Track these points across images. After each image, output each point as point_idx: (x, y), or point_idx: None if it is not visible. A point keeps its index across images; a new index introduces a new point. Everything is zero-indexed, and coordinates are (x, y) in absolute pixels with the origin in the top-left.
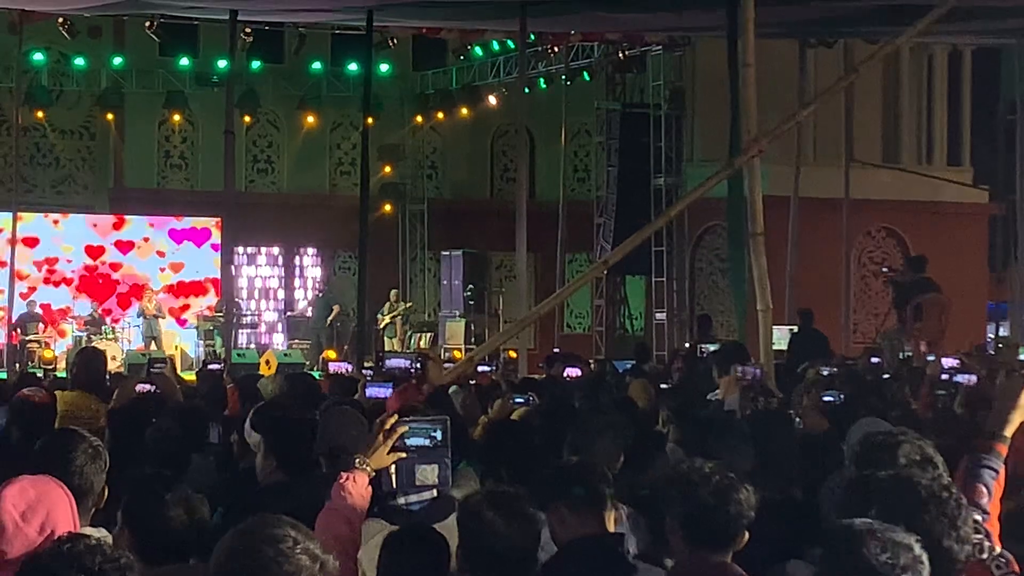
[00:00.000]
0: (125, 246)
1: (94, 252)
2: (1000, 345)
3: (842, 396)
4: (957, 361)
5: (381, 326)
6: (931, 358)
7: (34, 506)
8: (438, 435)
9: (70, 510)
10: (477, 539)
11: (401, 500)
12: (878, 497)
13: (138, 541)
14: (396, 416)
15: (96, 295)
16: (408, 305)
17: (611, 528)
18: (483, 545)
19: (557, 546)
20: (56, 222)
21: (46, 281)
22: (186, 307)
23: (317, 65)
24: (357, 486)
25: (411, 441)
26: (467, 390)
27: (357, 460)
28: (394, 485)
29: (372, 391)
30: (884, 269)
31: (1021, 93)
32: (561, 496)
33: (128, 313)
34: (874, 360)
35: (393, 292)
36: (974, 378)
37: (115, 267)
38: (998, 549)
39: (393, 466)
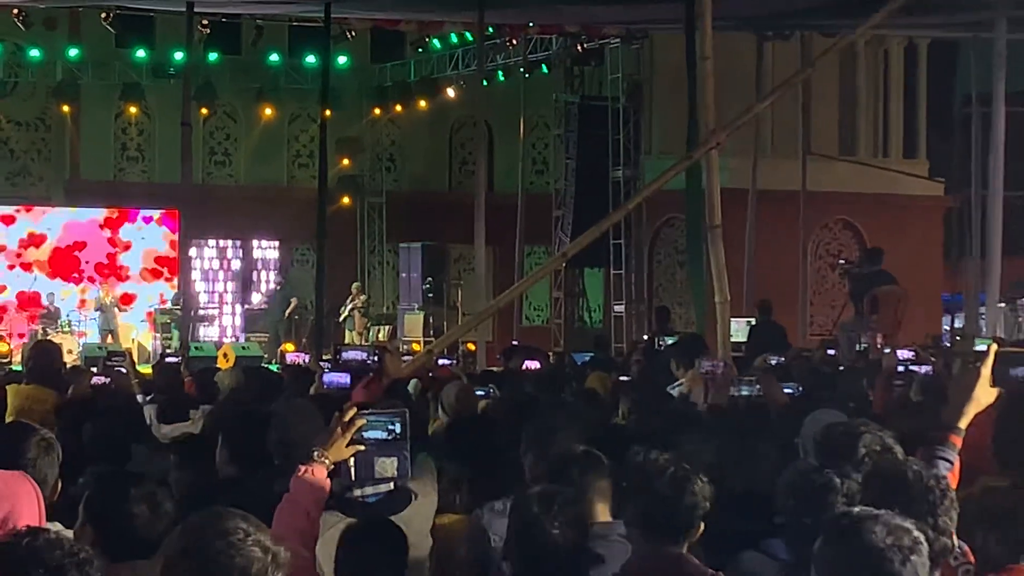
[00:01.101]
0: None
1: (38, 239)
2: (957, 336)
3: (800, 388)
4: (913, 353)
5: (341, 319)
6: (887, 350)
7: None
8: (396, 428)
9: (37, 507)
10: (526, 538)
11: (357, 492)
12: (867, 476)
13: (101, 537)
14: (355, 409)
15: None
16: (364, 297)
17: (605, 519)
18: (532, 545)
19: None
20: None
21: (14, 266)
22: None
23: (275, 57)
24: (316, 478)
25: (369, 434)
26: (463, 382)
27: (315, 453)
28: (353, 478)
29: (329, 378)
30: (841, 261)
31: (976, 87)
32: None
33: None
34: (830, 352)
35: (355, 285)
36: (930, 369)
37: (78, 246)
38: (954, 540)
39: (352, 458)
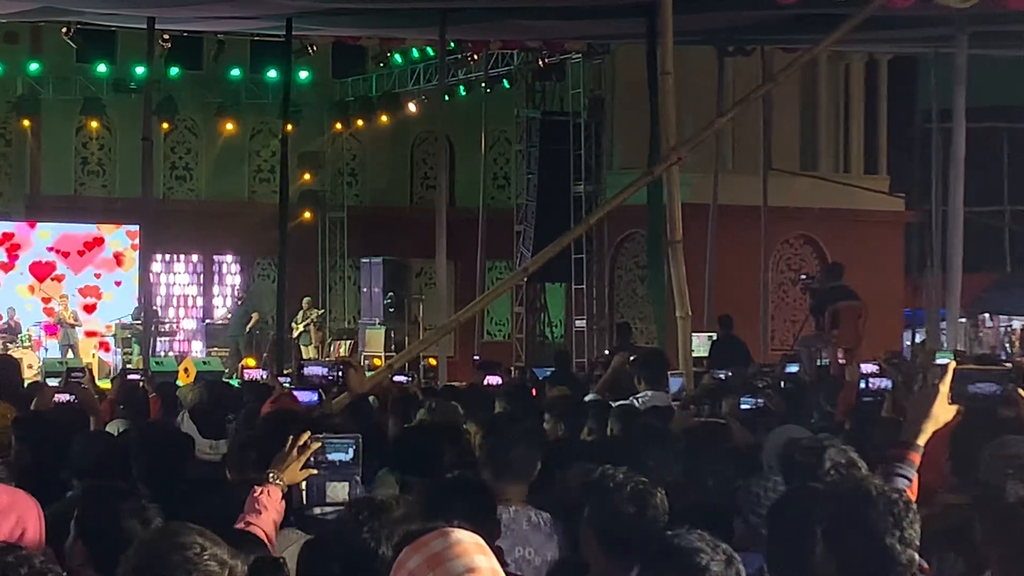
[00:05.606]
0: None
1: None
2: (919, 350)
3: (760, 403)
4: (876, 367)
5: (295, 334)
6: (842, 362)
7: (5, 511)
8: (350, 453)
9: (38, 520)
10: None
11: (316, 510)
12: (827, 494)
13: (92, 552)
14: (309, 432)
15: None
16: (319, 312)
17: None
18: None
19: None
20: None
21: None
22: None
23: (236, 72)
24: (271, 500)
25: (323, 458)
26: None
27: (271, 475)
28: (304, 501)
29: (300, 396)
30: (802, 277)
31: (937, 102)
32: (439, 513)
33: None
34: (792, 367)
35: (305, 300)
36: (890, 384)
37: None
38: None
39: (304, 482)
